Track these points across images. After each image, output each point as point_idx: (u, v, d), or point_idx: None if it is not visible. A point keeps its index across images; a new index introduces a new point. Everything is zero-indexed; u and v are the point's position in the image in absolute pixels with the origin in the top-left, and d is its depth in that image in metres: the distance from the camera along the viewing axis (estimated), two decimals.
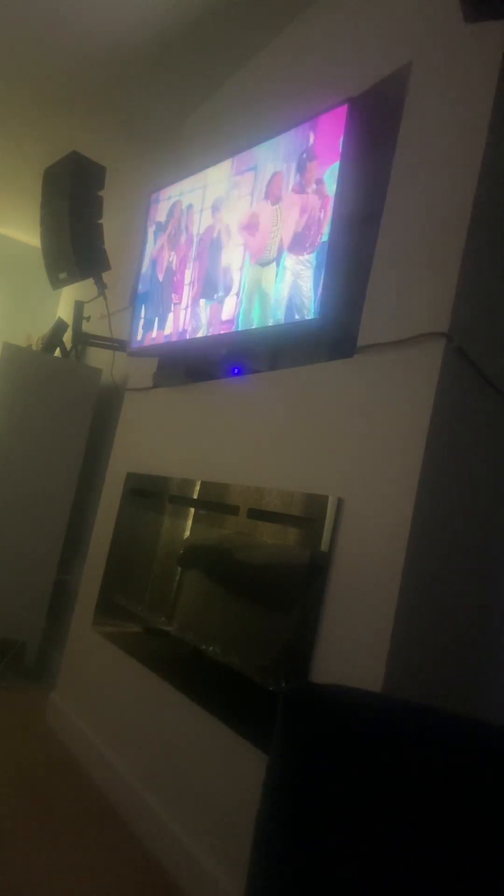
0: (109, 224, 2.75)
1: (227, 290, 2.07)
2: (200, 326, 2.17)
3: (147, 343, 2.46)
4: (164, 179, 2.60)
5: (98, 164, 2.67)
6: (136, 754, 1.98)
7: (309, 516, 1.55)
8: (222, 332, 2.08)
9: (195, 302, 2.23)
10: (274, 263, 1.87)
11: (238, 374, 2.07)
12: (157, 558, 2.36)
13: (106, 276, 2.79)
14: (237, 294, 2.01)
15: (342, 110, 1.69)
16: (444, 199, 1.44)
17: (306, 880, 0.91)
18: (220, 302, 2.10)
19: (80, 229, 2.62)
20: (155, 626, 2.17)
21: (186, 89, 2.66)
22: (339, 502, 1.48)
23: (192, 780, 1.71)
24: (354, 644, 1.34)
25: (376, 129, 1.69)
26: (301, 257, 1.77)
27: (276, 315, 1.82)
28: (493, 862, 0.88)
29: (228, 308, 2.04)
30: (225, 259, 2.11)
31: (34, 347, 3.60)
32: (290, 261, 1.80)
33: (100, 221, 2.67)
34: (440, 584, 1.36)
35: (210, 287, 2.17)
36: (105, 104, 2.87)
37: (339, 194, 1.64)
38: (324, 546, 1.48)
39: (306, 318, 1.73)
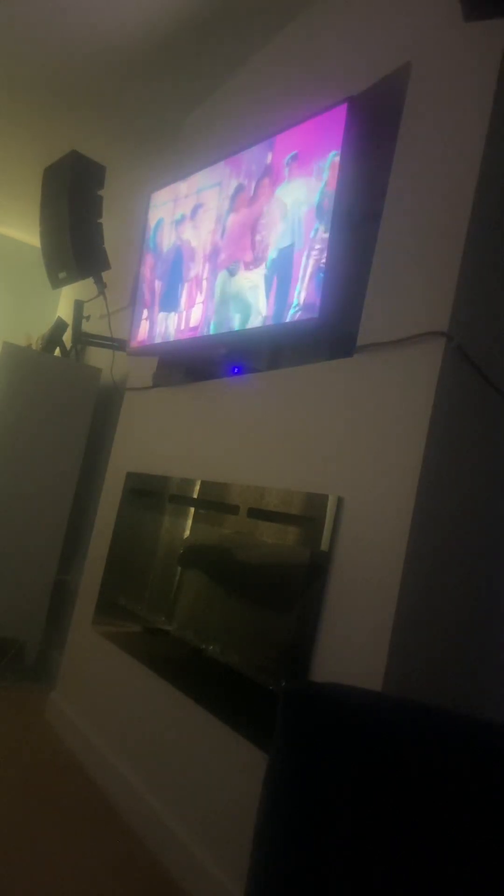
0: (109, 223, 2.75)
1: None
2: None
3: (134, 344, 2.53)
4: (163, 179, 2.60)
5: (98, 163, 2.67)
6: (136, 754, 1.98)
7: (309, 515, 1.55)
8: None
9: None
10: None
11: (238, 373, 2.07)
12: (157, 558, 2.36)
13: (106, 276, 2.79)
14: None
15: (342, 109, 1.69)
16: (444, 197, 1.44)
17: (306, 880, 0.91)
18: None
19: (79, 228, 2.62)
20: (155, 625, 2.17)
21: (186, 89, 2.65)
22: (339, 501, 1.48)
23: (192, 779, 1.71)
24: (354, 643, 1.34)
25: (376, 128, 1.69)
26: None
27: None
28: (493, 862, 0.88)
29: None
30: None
31: (34, 347, 3.60)
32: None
33: (99, 221, 2.67)
34: (440, 583, 1.36)
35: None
36: (105, 104, 2.87)
37: (338, 193, 1.64)
38: (324, 545, 1.48)
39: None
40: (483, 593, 1.45)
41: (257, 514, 1.74)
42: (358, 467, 1.46)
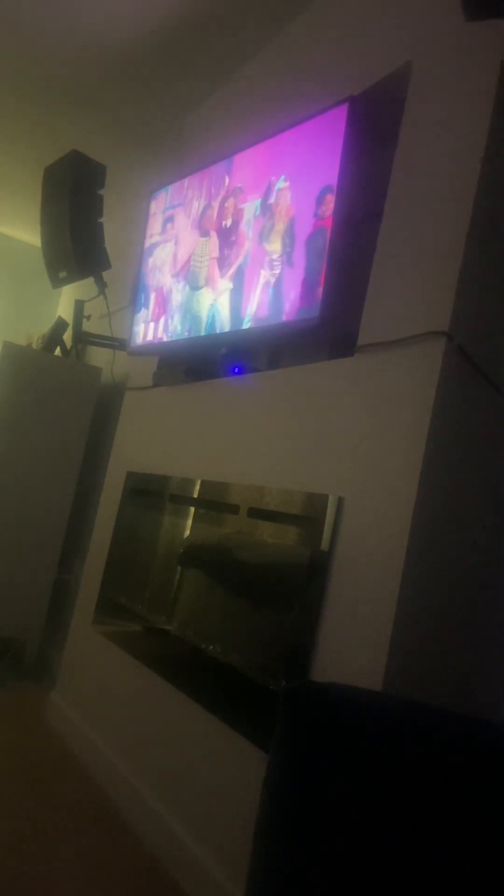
0: (110, 223, 2.75)
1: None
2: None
3: (134, 344, 2.63)
4: (164, 178, 2.60)
5: (98, 162, 2.67)
6: (136, 753, 1.98)
7: (309, 515, 1.55)
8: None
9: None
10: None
11: (238, 373, 2.07)
12: (157, 557, 2.36)
13: (106, 275, 2.79)
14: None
15: (342, 109, 1.69)
16: (445, 197, 1.44)
17: (306, 879, 0.91)
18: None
19: (80, 228, 2.62)
20: (155, 625, 2.17)
21: (186, 88, 2.65)
22: (340, 501, 1.48)
23: (192, 778, 1.71)
24: (354, 643, 1.34)
25: (376, 128, 1.69)
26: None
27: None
28: (493, 861, 0.88)
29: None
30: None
31: (34, 346, 3.60)
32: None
33: (100, 220, 2.67)
34: (440, 583, 1.36)
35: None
36: (105, 103, 2.87)
37: (339, 194, 1.65)
38: (324, 545, 1.48)
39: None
40: (483, 593, 1.45)
41: (257, 513, 1.74)
42: (358, 467, 1.46)
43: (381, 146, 1.67)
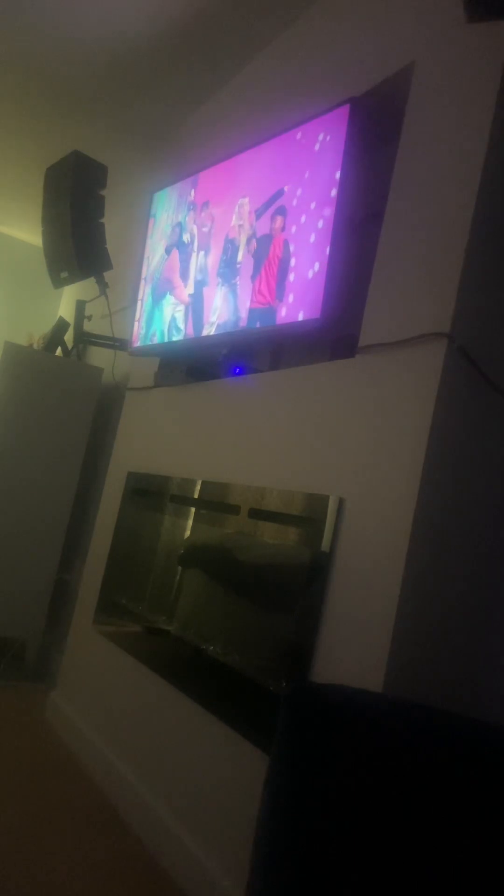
0: (111, 223, 2.76)
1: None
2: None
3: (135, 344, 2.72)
4: (165, 179, 2.61)
5: (100, 163, 2.67)
6: (136, 753, 1.98)
7: (310, 516, 1.55)
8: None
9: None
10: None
11: (239, 373, 2.07)
12: (157, 557, 2.36)
13: (107, 275, 2.79)
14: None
15: (344, 110, 1.69)
16: (447, 198, 1.44)
17: (307, 881, 0.91)
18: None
19: (81, 228, 2.62)
20: (155, 625, 2.17)
21: (188, 89, 2.66)
22: (341, 502, 1.48)
23: (192, 779, 1.71)
24: (355, 644, 1.34)
25: (378, 129, 1.69)
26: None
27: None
28: (494, 862, 0.88)
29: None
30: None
31: (35, 346, 3.60)
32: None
33: (101, 220, 2.67)
34: (441, 584, 1.36)
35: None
36: (107, 104, 2.87)
37: (340, 195, 1.65)
38: (325, 546, 1.48)
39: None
40: (484, 594, 1.45)
41: (258, 514, 1.74)
42: (359, 468, 1.46)
43: (382, 147, 1.67)
